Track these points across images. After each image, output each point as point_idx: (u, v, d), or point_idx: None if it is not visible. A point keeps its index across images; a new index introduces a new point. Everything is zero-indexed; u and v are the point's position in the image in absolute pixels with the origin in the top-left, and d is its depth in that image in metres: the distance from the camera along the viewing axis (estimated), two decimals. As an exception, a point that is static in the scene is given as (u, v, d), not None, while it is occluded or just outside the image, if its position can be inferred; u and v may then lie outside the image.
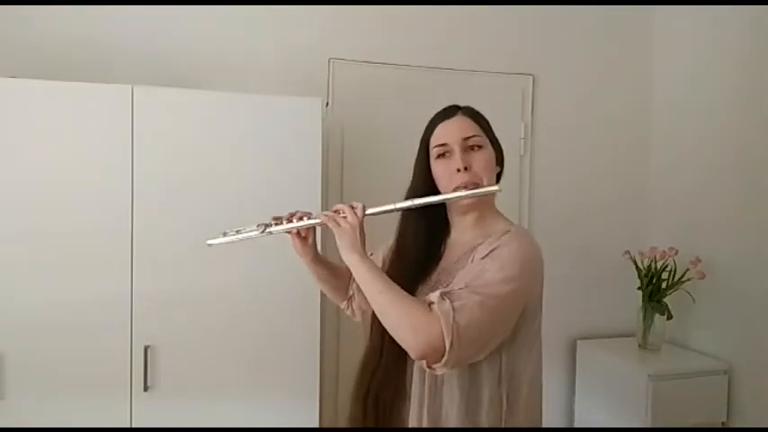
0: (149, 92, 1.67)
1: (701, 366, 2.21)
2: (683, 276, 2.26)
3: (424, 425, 1.05)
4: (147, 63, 2.04)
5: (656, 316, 2.30)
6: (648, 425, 2.10)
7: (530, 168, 2.49)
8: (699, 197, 2.37)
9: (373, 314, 1.09)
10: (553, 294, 2.64)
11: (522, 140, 2.47)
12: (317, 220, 1.11)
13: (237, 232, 1.19)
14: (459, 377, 1.03)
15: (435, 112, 1.20)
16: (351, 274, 1.22)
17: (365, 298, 1.19)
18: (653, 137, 2.63)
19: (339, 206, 1.07)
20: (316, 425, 1.80)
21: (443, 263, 1.14)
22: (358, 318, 1.34)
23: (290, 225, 1.14)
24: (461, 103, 1.24)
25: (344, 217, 1.04)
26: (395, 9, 2.28)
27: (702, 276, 2.21)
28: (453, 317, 0.93)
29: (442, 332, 0.92)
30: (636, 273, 2.37)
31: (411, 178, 1.17)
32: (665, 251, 2.30)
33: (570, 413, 2.58)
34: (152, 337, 1.67)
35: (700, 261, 2.23)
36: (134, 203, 1.65)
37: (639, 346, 2.37)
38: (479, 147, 1.10)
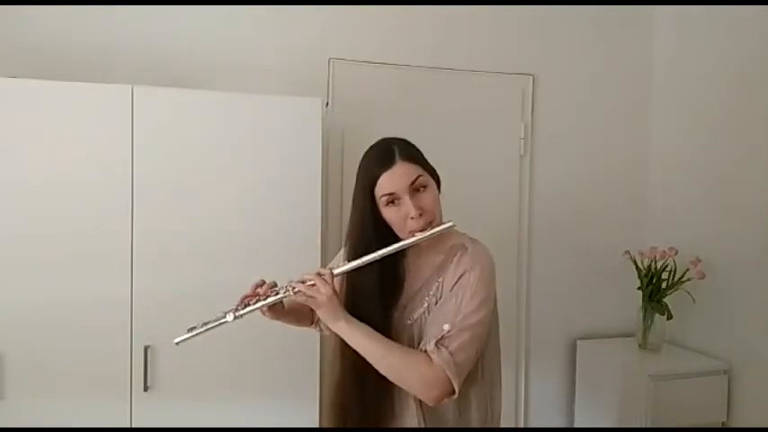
0: (149, 92, 1.67)
1: (701, 366, 2.21)
2: (683, 276, 2.26)
3: None
4: (147, 63, 2.04)
5: (656, 316, 2.31)
6: (648, 425, 2.10)
7: (530, 168, 2.49)
8: (699, 197, 2.37)
9: (342, 344, 1.13)
10: (553, 294, 2.69)
11: (522, 140, 2.47)
12: (284, 295, 1.12)
13: (204, 324, 1.17)
14: None
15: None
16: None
17: None
18: (653, 137, 2.63)
19: (306, 276, 1.10)
20: (316, 425, 1.79)
21: (408, 286, 1.20)
22: (327, 332, 1.34)
23: (261, 304, 1.14)
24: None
25: (313, 285, 1.08)
26: (395, 9, 2.29)
27: (702, 276, 2.21)
28: (454, 360, 1.04)
29: (448, 378, 1.04)
30: (636, 273, 2.37)
31: (353, 221, 1.18)
32: (665, 251, 2.30)
33: (570, 413, 2.58)
34: (152, 337, 1.66)
35: (700, 261, 2.23)
36: (134, 203, 1.65)
37: (639, 346, 2.37)
38: (424, 186, 1.13)
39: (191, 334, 1.18)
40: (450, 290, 1.11)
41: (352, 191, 1.20)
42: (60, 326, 1.61)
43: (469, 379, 1.12)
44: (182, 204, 1.69)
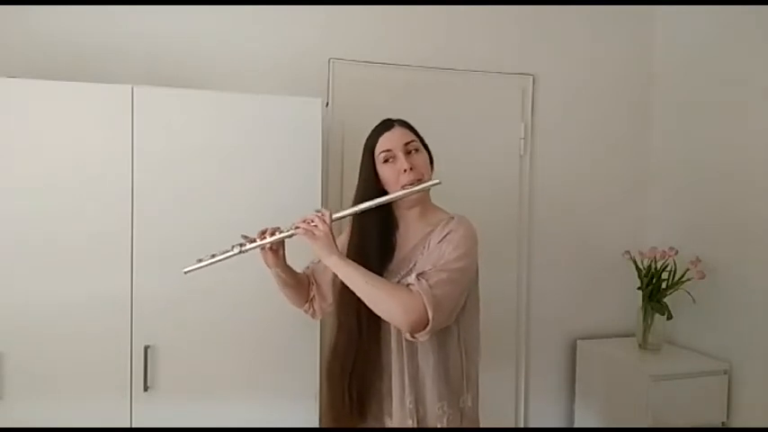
0: (149, 92, 1.67)
1: (701, 366, 2.21)
2: (683, 276, 2.26)
3: (407, 388, 1.24)
4: (147, 63, 2.04)
5: (656, 316, 2.31)
6: (648, 425, 2.10)
7: (530, 168, 2.49)
8: (699, 197, 2.37)
9: (339, 304, 1.32)
10: (553, 294, 2.69)
11: (522, 140, 2.47)
12: (289, 233, 1.27)
13: (213, 256, 1.29)
14: (430, 342, 1.24)
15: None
16: (309, 279, 1.51)
17: (325, 298, 1.46)
18: (653, 137, 2.63)
19: (308, 216, 1.24)
20: (316, 425, 1.79)
21: (399, 253, 1.33)
22: (318, 317, 1.54)
23: (265, 241, 1.29)
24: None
25: (315, 226, 1.22)
26: (395, 9, 2.28)
27: (702, 276, 2.21)
28: (432, 292, 1.15)
29: (425, 306, 1.14)
30: (636, 273, 2.37)
31: (358, 182, 1.36)
32: (665, 251, 2.30)
33: (570, 413, 2.58)
34: (152, 337, 1.66)
35: (700, 261, 2.23)
36: (134, 203, 1.64)
37: (639, 346, 2.37)
38: (417, 150, 1.32)
39: (199, 264, 1.29)
40: (438, 243, 1.25)
41: (354, 186, 1.37)
42: (60, 326, 1.60)
43: (447, 338, 1.27)
44: (182, 204, 1.69)
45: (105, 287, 1.63)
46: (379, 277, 1.21)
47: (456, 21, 2.37)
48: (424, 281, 1.16)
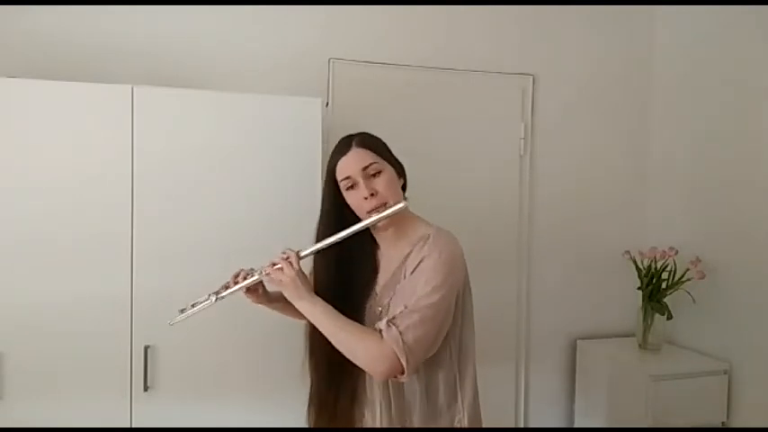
0: (149, 92, 1.67)
1: (701, 366, 2.21)
2: (683, 276, 2.26)
3: (395, 420, 1.20)
4: (147, 63, 2.04)
5: (656, 316, 2.31)
6: (648, 425, 2.10)
7: (530, 168, 2.49)
8: (699, 197, 2.37)
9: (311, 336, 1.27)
10: (553, 294, 2.69)
11: (522, 140, 2.47)
12: (257, 278, 1.24)
13: (193, 306, 1.29)
14: (415, 374, 1.17)
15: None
16: None
17: None
18: (653, 136, 2.63)
19: (275, 260, 1.20)
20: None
21: (381, 277, 1.28)
22: None
23: (237, 287, 1.26)
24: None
25: (281, 269, 1.17)
26: (395, 9, 2.28)
27: (702, 276, 2.21)
28: (402, 339, 1.09)
29: (396, 355, 1.09)
30: (636, 273, 2.37)
31: (322, 210, 1.29)
32: (665, 251, 2.30)
33: (570, 413, 2.58)
34: (152, 337, 1.66)
35: (700, 261, 2.23)
36: (134, 203, 1.65)
37: (639, 346, 2.37)
38: (379, 172, 1.22)
39: (184, 315, 1.30)
40: (411, 274, 1.19)
41: None
42: (60, 326, 1.60)
43: (438, 361, 1.20)
44: (181, 204, 1.69)
45: (105, 287, 1.63)
46: (351, 322, 1.16)
47: (456, 21, 2.37)
48: (393, 327, 1.10)
